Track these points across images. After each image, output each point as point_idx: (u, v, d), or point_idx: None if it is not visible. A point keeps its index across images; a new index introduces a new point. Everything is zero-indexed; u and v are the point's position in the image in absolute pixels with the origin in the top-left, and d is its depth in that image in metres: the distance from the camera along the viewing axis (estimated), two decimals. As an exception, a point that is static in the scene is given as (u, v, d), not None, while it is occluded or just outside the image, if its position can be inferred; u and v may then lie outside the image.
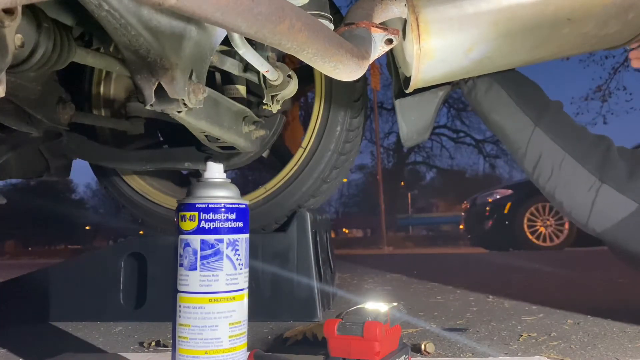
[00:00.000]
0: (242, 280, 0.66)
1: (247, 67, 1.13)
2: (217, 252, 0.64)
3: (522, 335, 1.06)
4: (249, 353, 0.70)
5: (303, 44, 0.54)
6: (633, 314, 1.18)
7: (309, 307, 1.29)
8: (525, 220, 5.17)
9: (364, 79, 1.56)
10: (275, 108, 1.13)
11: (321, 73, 0.87)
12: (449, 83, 1.22)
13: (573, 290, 1.80)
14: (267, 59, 1.05)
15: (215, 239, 0.64)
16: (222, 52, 1.09)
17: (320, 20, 0.79)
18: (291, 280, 1.31)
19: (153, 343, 1.05)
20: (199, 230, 0.64)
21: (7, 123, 1.02)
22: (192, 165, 1.35)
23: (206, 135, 1.14)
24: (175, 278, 0.65)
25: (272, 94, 1.10)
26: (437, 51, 1.03)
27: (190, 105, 0.72)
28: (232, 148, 1.24)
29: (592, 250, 4.09)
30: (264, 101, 1.11)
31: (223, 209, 0.65)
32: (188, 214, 0.64)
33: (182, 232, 0.65)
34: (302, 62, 0.64)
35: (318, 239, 1.44)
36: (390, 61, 1.26)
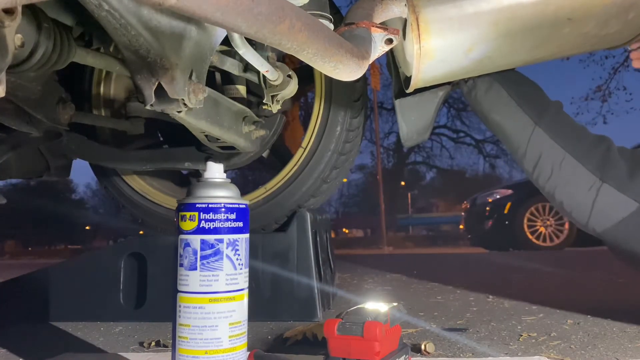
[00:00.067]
0: (242, 280, 0.66)
1: (247, 67, 1.13)
2: (217, 252, 0.64)
3: (522, 335, 1.06)
4: (249, 353, 0.70)
5: (303, 44, 0.54)
6: (633, 314, 1.18)
7: (309, 307, 1.29)
8: (525, 220, 5.17)
9: (364, 79, 1.56)
10: (275, 108, 1.13)
11: (321, 73, 0.87)
12: (449, 83, 1.22)
13: (573, 290, 1.80)
14: (267, 59, 1.05)
15: (215, 239, 0.64)
16: (222, 52, 1.09)
17: (320, 20, 0.79)
18: (291, 280, 1.31)
19: (153, 343, 1.05)
20: (199, 230, 0.64)
21: (7, 123, 1.02)
22: (192, 165, 1.35)
23: (206, 135, 1.14)
24: (175, 278, 0.65)
25: (272, 94, 1.10)
26: (437, 51, 1.03)
27: (190, 105, 0.72)
28: (232, 148, 1.24)
29: (592, 250, 4.09)
30: (264, 101, 1.11)
31: (223, 209, 0.65)
32: (188, 214, 0.64)
33: (182, 232, 0.65)
34: (302, 62, 0.64)
35: (318, 239, 1.44)
36: (390, 61, 1.25)
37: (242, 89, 1.30)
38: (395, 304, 0.79)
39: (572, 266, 2.85)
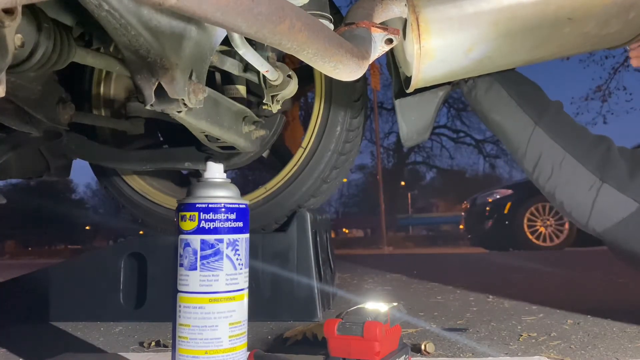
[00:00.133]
0: (242, 280, 0.66)
1: (247, 67, 1.13)
2: (217, 252, 0.64)
3: (522, 335, 1.06)
4: (249, 353, 0.70)
5: (303, 44, 0.54)
6: (633, 314, 1.18)
7: (309, 307, 1.29)
8: (525, 220, 5.17)
9: (364, 79, 1.56)
10: (275, 108, 1.13)
11: (321, 73, 0.87)
12: (449, 83, 1.22)
13: (573, 290, 1.80)
14: (267, 59, 1.05)
15: (215, 239, 0.64)
16: (222, 52, 1.09)
17: (320, 20, 0.79)
18: (291, 280, 1.31)
19: (153, 343, 1.05)
20: (199, 230, 0.64)
21: (7, 123, 1.02)
22: (192, 165, 1.35)
23: (206, 135, 1.14)
24: (175, 278, 0.65)
25: (272, 94, 1.10)
26: (438, 51, 1.03)
27: (190, 105, 0.72)
28: (232, 148, 1.24)
29: (592, 250, 4.09)
30: (264, 101, 1.11)
31: (223, 209, 0.65)
32: (188, 214, 0.64)
33: (182, 232, 0.65)
34: (302, 62, 0.64)
35: (318, 239, 1.44)
36: (390, 61, 1.25)
37: (242, 89, 1.30)
38: (395, 304, 0.79)
39: (572, 266, 2.85)
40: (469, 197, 6.54)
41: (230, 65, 1.09)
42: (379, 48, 0.83)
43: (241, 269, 0.66)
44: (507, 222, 5.30)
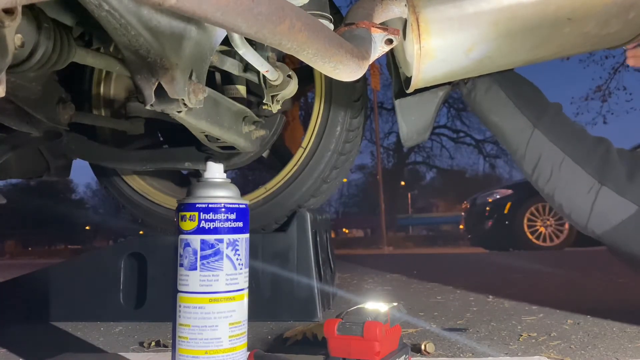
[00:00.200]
0: (242, 280, 0.66)
1: (247, 67, 1.13)
2: (217, 252, 0.64)
3: (522, 335, 1.06)
4: (249, 353, 0.70)
5: (303, 44, 0.54)
6: (633, 314, 1.18)
7: (309, 307, 1.29)
8: (525, 220, 5.17)
9: (364, 79, 1.56)
10: (275, 108, 1.13)
11: (321, 73, 0.87)
12: (449, 83, 1.22)
13: (573, 290, 1.80)
14: (267, 59, 1.05)
15: (215, 239, 0.64)
16: (222, 52, 1.09)
17: (320, 20, 0.79)
18: (291, 280, 1.31)
19: (153, 343, 1.05)
20: (199, 230, 0.64)
21: (7, 123, 1.02)
22: (192, 165, 1.35)
23: (206, 135, 1.14)
24: (175, 278, 0.65)
25: (272, 94, 1.10)
26: (438, 51, 1.03)
27: (190, 105, 0.72)
28: (232, 148, 1.24)
29: (592, 250, 4.09)
30: (264, 101, 1.11)
31: (223, 209, 0.65)
32: (188, 214, 0.64)
33: (182, 232, 0.65)
34: (302, 62, 0.64)
35: (318, 239, 1.44)
36: (390, 61, 1.25)
37: (242, 89, 1.30)
38: (395, 304, 0.79)
39: (572, 266, 2.85)
40: (469, 197, 6.54)
41: (230, 65, 1.09)
42: (379, 48, 0.83)
43: (241, 269, 0.66)
44: (507, 222, 5.30)
